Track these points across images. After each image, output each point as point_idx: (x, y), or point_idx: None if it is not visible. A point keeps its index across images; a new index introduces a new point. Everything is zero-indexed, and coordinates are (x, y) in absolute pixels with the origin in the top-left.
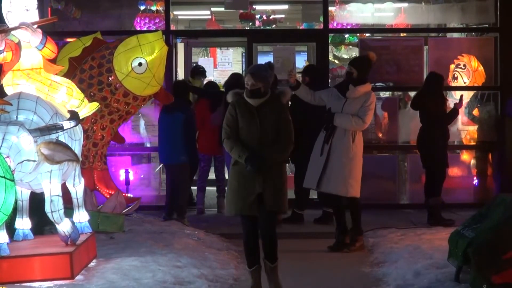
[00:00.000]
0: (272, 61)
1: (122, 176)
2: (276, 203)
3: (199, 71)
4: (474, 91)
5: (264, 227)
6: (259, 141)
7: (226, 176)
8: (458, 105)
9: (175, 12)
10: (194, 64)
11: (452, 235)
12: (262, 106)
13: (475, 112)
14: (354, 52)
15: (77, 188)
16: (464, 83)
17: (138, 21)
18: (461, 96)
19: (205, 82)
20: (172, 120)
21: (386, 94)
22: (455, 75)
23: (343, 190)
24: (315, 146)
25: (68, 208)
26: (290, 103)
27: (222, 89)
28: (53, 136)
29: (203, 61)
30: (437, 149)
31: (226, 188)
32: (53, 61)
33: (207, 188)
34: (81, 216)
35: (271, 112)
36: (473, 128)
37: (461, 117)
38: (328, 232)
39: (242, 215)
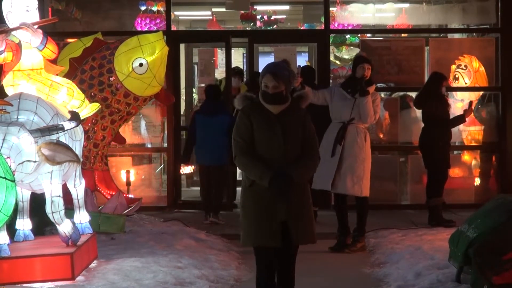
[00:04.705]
0: (286, 59)
1: (123, 176)
2: (306, 234)
3: (234, 72)
4: (475, 92)
5: (285, 262)
6: (282, 157)
7: None
8: (467, 113)
9: (176, 13)
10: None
11: (453, 235)
12: (283, 114)
13: (476, 112)
14: (355, 53)
15: (78, 189)
16: (465, 83)
17: (139, 21)
18: (471, 102)
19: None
20: (218, 123)
21: (388, 94)
22: (456, 76)
23: (358, 190)
24: (321, 147)
25: (69, 208)
26: None
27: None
28: (54, 137)
29: None
30: (438, 149)
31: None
32: (54, 61)
33: None
34: (82, 217)
35: (295, 121)
36: (474, 128)
37: None
38: (330, 232)
39: (261, 247)
